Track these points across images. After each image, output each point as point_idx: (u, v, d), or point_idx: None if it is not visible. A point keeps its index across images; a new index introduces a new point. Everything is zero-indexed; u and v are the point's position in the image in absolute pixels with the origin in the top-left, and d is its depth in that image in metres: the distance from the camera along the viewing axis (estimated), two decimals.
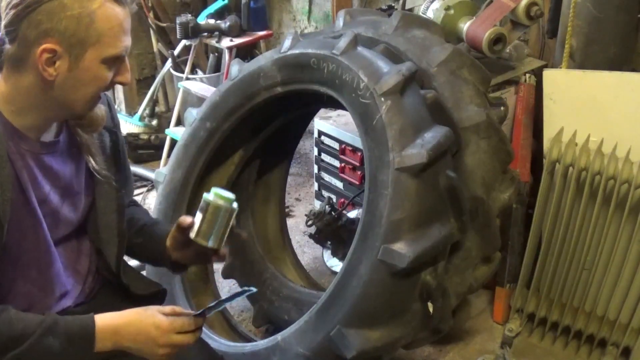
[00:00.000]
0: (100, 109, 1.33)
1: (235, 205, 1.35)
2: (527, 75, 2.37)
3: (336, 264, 2.62)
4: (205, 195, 1.34)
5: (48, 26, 1.15)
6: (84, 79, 1.22)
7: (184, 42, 3.45)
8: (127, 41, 1.25)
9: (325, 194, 2.80)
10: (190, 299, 2.05)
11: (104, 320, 1.24)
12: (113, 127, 1.45)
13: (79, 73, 1.21)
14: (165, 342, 1.25)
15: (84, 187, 1.40)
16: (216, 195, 1.33)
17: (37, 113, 1.25)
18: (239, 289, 1.36)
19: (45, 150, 1.30)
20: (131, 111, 3.79)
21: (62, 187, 1.34)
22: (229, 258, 1.42)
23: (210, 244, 1.34)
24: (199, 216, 1.34)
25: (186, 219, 1.38)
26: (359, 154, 2.56)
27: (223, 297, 1.37)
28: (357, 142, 2.51)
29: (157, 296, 1.57)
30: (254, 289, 1.34)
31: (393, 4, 2.73)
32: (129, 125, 3.68)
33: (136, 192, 3.16)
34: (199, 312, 1.31)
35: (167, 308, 1.30)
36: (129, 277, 1.52)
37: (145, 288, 1.56)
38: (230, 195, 1.34)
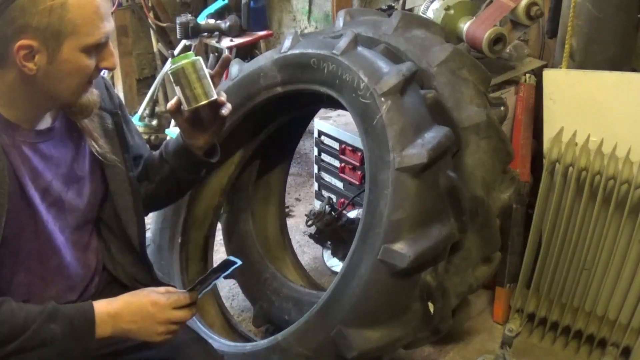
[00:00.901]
0: (93, 95, 1.31)
1: (194, 56, 1.37)
2: (527, 75, 2.37)
3: (336, 264, 2.62)
4: (167, 71, 1.35)
5: (22, 22, 1.15)
6: (66, 70, 1.21)
7: (184, 42, 3.45)
8: (106, 27, 1.22)
9: (325, 194, 2.80)
10: None
11: (101, 305, 1.25)
12: (114, 109, 1.45)
13: (59, 65, 1.20)
14: (163, 318, 1.27)
15: (89, 172, 1.40)
16: (174, 61, 1.36)
17: (26, 105, 1.25)
18: (226, 270, 1.37)
19: (41, 139, 1.30)
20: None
21: (64, 174, 1.34)
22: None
23: (203, 99, 1.37)
24: (177, 89, 1.37)
25: (170, 104, 1.42)
26: (359, 154, 2.56)
27: (211, 281, 1.38)
28: (357, 142, 2.51)
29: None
30: (239, 261, 1.35)
31: (393, 4, 2.73)
32: None
33: None
34: (191, 287, 1.34)
35: (161, 288, 1.33)
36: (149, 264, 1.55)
37: (162, 277, 1.58)
38: (184, 54, 1.37)
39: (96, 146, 1.38)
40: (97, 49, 1.23)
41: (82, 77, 1.25)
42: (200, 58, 1.38)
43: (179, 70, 1.35)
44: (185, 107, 1.38)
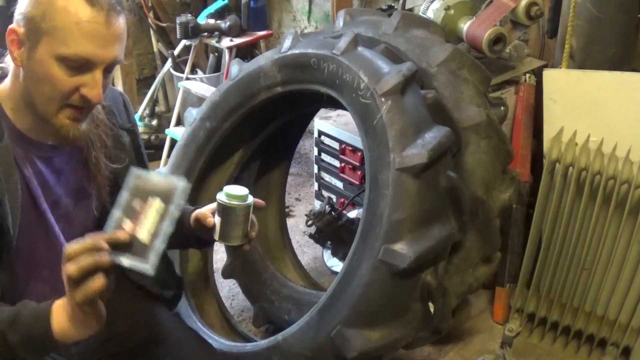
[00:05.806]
0: (74, 126, 1.22)
1: (250, 199, 1.33)
2: (527, 75, 2.37)
3: (336, 264, 2.62)
4: (218, 197, 1.32)
5: (22, 9, 1.16)
6: (39, 73, 1.17)
7: (184, 42, 3.45)
8: (93, 49, 1.14)
9: (325, 194, 2.80)
10: (190, 299, 2.06)
11: (58, 305, 1.15)
12: (131, 127, 1.45)
13: (34, 65, 1.16)
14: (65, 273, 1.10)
15: (99, 189, 1.38)
16: (228, 196, 1.31)
17: (27, 109, 1.22)
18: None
19: (55, 153, 1.28)
20: None
21: (74, 189, 1.33)
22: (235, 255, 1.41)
23: (235, 242, 1.34)
24: (217, 219, 1.33)
25: (207, 218, 1.36)
26: (359, 154, 2.56)
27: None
28: (357, 142, 2.51)
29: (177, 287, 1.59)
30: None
31: (393, 4, 2.73)
32: None
33: None
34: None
35: None
36: None
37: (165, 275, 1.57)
38: (242, 192, 1.32)
39: (101, 164, 1.34)
40: (77, 67, 1.16)
41: (53, 90, 1.17)
42: (252, 202, 1.33)
43: (229, 209, 1.30)
44: (215, 236, 1.34)
